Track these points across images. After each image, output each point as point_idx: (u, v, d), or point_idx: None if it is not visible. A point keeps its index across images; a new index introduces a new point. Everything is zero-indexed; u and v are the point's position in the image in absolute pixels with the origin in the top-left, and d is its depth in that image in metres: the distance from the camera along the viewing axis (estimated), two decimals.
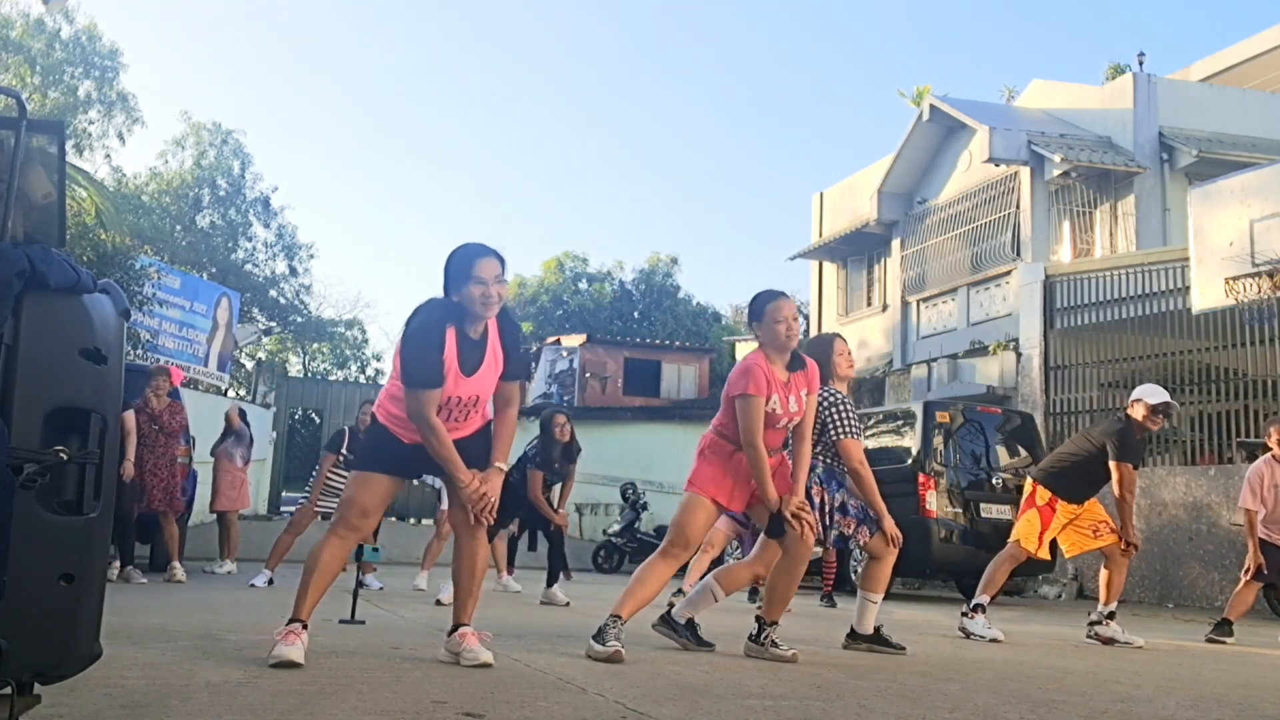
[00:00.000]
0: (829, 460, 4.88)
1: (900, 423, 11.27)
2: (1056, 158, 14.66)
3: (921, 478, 10.42)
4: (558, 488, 8.20)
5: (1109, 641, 5.90)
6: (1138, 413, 6.06)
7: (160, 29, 59.27)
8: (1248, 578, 6.83)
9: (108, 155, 27.37)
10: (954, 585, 12.20)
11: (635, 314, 37.89)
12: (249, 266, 30.57)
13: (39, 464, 2.06)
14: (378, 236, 72.73)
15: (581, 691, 3.21)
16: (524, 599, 7.74)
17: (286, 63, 67.95)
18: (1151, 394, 6.11)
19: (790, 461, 4.38)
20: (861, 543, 4.78)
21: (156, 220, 27.08)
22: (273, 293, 31.20)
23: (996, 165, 15.60)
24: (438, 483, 7.32)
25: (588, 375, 27.32)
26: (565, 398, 27.52)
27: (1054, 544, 6.32)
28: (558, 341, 30.17)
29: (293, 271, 31.86)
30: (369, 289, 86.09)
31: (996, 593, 6.16)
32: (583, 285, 39.48)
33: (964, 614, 5.99)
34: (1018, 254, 15.49)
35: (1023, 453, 10.89)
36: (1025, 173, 15.51)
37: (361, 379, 38.42)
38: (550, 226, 74.14)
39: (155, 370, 8.83)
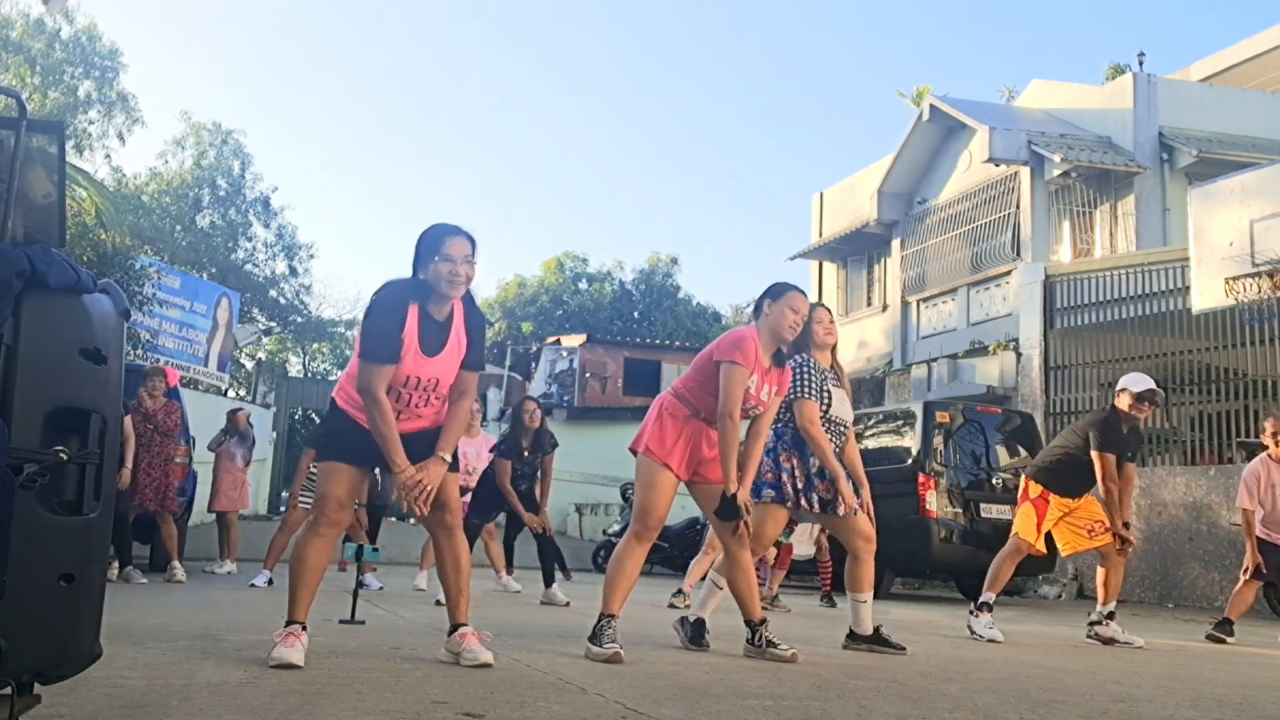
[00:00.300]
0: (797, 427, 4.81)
1: (900, 423, 11.27)
2: (1056, 158, 14.66)
3: (921, 478, 10.41)
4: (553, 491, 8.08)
5: (1109, 641, 5.89)
6: (1123, 402, 6.04)
7: (160, 29, 59.30)
8: (1246, 577, 6.84)
9: (108, 155, 27.43)
10: (954, 585, 12.20)
11: (635, 314, 37.90)
12: (249, 266, 30.60)
13: (39, 464, 2.06)
14: (378, 236, 72.82)
15: (581, 691, 3.21)
16: (523, 599, 7.74)
17: (286, 63, 67.98)
18: (1136, 382, 6.07)
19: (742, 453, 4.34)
20: (840, 511, 4.71)
21: (156, 220, 27.11)
22: (273, 293, 31.23)
23: (996, 165, 15.61)
24: None
25: (588, 375, 27.33)
26: (565, 398, 27.54)
27: (1052, 542, 6.30)
28: (558, 341, 30.18)
29: (293, 271, 31.90)
30: (369, 289, 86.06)
31: (1000, 590, 6.15)
32: (583, 285, 39.50)
33: (971, 612, 6.00)
34: (1018, 254, 15.49)
35: (1023, 453, 10.88)
36: (1025, 173, 15.51)
37: None
38: (550, 226, 74.23)
39: (151, 370, 8.82)
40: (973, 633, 5.84)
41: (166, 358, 16.74)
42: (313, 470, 8.45)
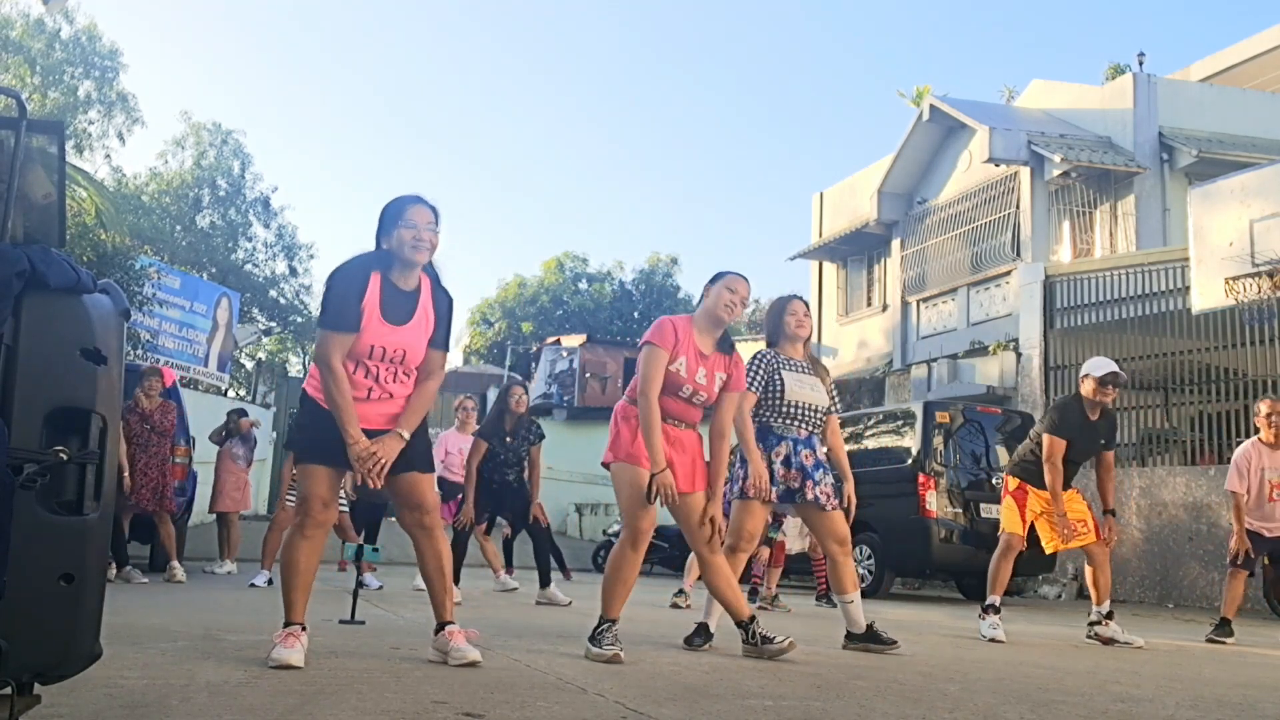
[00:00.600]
0: (766, 418, 4.80)
1: (900, 423, 11.27)
2: (1056, 158, 14.66)
3: (921, 478, 10.42)
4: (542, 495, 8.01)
5: (1109, 641, 5.89)
6: (1086, 388, 6.03)
7: (160, 29, 59.30)
8: (1232, 564, 6.76)
9: (108, 155, 27.45)
10: (954, 585, 12.20)
11: (635, 314, 37.89)
12: (249, 266, 30.59)
13: (39, 464, 2.06)
14: None
15: (581, 691, 3.21)
16: (523, 599, 7.72)
17: (286, 63, 67.99)
18: (1097, 367, 6.04)
19: (707, 462, 4.32)
20: (809, 496, 4.69)
21: (156, 220, 27.10)
22: (273, 293, 31.22)
23: (996, 165, 15.61)
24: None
25: (588, 375, 27.33)
26: (565, 398, 27.54)
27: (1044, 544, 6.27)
28: (558, 341, 30.18)
29: (293, 271, 31.89)
30: None
31: (1003, 590, 6.13)
32: (583, 285, 39.51)
33: (980, 615, 6.00)
34: (1018, 254, 15.49)
35: None
36: (1025, 173, 15.51)
37: None
38: (550, 226, 74.23)
39: (147, 370, 8.81)
40: (981, 635, 5.86)
41: (166, 358, 16.73)
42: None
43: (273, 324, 31.94)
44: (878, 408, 14.67)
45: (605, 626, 4.09)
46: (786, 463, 4.72)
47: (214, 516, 10.22)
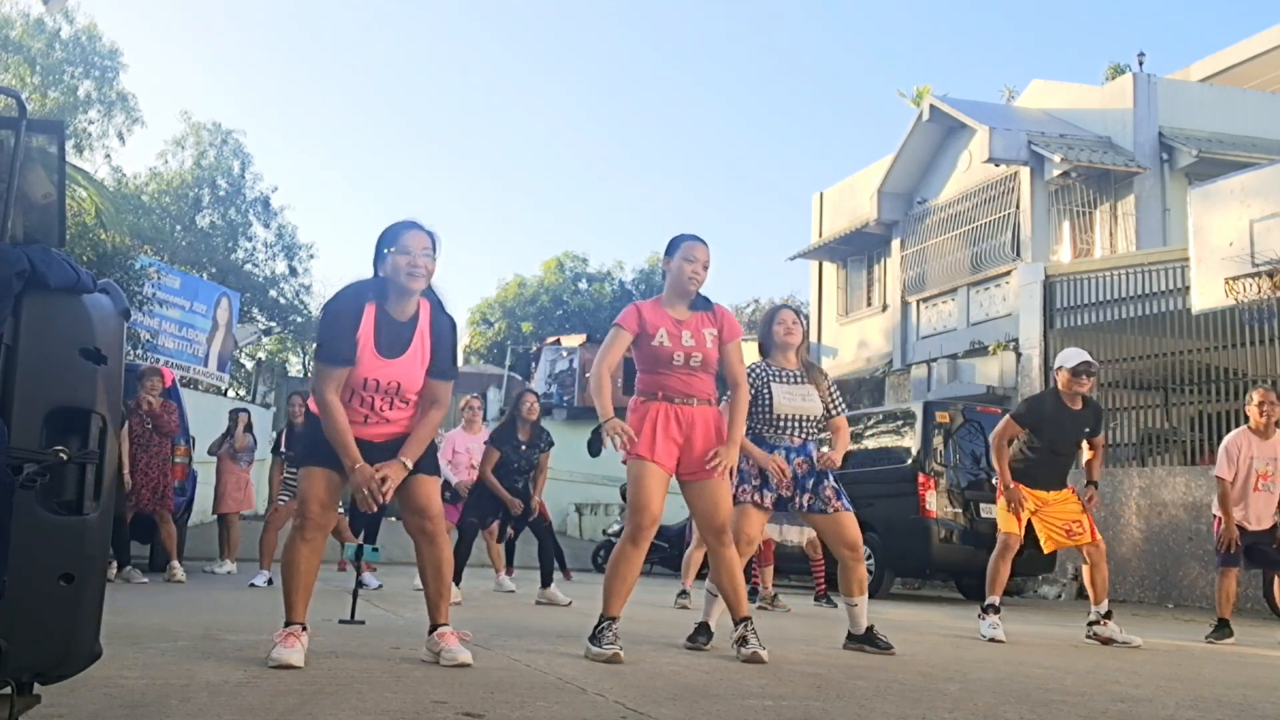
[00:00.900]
0: (758, 429, 4.81)
1: (900, 423, 11.26)
2: (1056, 158, 14.66)
3: (921, 478, 10.41)
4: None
5: (1108, 641, 5.89)
6: (1061, 380, 6.05)
7: (160, 29, 59.31)
8: (1223, 562, 6.71)
9: (108, 155, 27.43)
10: (954, 585, 12.19)
11: None
12: (249, 266, 30.59)
13: (39, 464, 2.06)
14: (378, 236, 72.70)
15: (581, 691, 3.21)
16: (523, 599, 7.72)
17: (286, 63, 68.00)
18: (1069, 358, 6.04)
19: (725, 414, 4.27)
20: (804, 504, 4.71)
21: (156, 220, 27.10)
22: (273, 293, 31.21)
23: (996, 165, 15.61)
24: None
25: (588, 375, 27.32)
26: (565, 398, 27.54)
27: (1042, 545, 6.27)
28: (558, 341, 30.19)
29: (293, 271, 31.88)
30: None
31: (1002, 590, 6.13)
32: (583, 285, 39.52)
33: (980, 615, 6.01)
34: (1018, 254, 15.49)
35: None
36: (1025, 173, 15.51)
37: None
38: (550, 226, 74.24)
39: (147, 370, 8.81)
40: (980, 635, 5.86)
41: (166, 357, 16.73)
42: (289, 473, 8.46)
43: (272, 324, 31.94)
44: (878, 408, 14.67)
45: (606, 625, 4.09)
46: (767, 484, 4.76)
47: (214, 516, 10.22)
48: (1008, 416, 6.05)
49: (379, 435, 3.66)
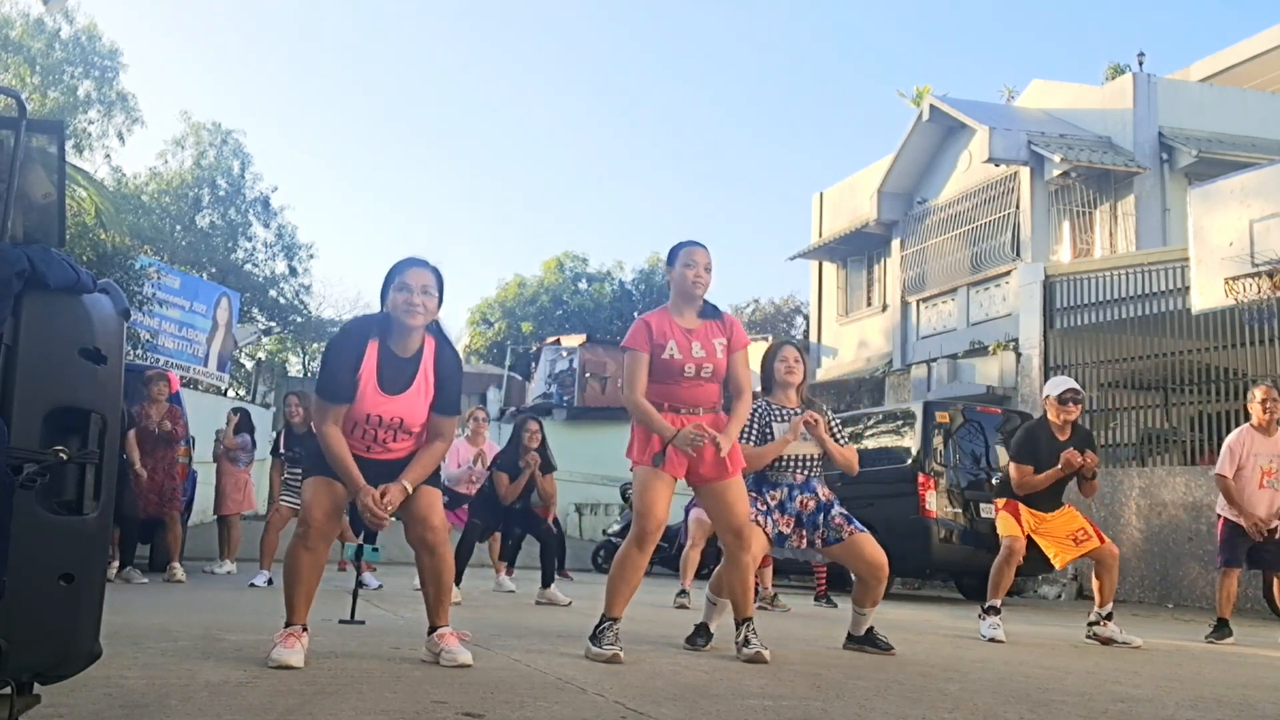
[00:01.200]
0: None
1: (900, 423, 11.26)
2: (1056, 158, 14.66)
3: (921, 478, 10.41)
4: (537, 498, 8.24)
5: (1108, 641, 5.89)
6: (1050, 411, 6.06)
7: (160, 29, 59.32)
8: (1226, 564, 6.71)
9: (108, 155, 27.39)
10: (954, 585, 12.20)
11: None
12: (249, 266, 30.58)
13: (39, 464, 2.06)
14: (378, 236, 72.78)
15: (581, 691, 3.21)
16: (523, 599, 7.73)
17: (287, 63, 68.01)
18: (1055, 387, 6.09)
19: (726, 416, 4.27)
20: (803, 543, 4.73)
21: (156, 220, 27.09)
22: (273, 293, 31.20)
23: (996, 165, 15.61)
24: None
25: (587, 375, 27.32)
26: (565, 398, 27.54)
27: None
28: (558, 341, 30.18)
29: (293, 271, 31.86)
30: (369, 289, 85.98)
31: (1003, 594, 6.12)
32: (583, 285, 39.51)
33: (980, 616, 6.00)
34: (1018, 254, 15.49)
35: None
36: (1025, 173, 15.51)
37: None
38: (550, 226, 74.24)
39: (154, 376, 8.83)
40: (981, 635, 5.86)
41: (166, 357, 16.74)
42: (290, 473, 8.47)
43: (272, 324, 31.93)
44: (878, 408, 14.66)
45: (607, 625, 4.09)
46: (781, 508, 4.77)
47: (214, 517, 10.21)
48: (1017, 465, 5.97)
49: (381, 460, 3.72)
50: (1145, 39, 72.54)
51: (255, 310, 30.07)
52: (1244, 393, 11.57)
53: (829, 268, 20.64)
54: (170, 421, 8.42)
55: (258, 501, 11.08)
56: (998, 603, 5.96)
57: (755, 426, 4.77)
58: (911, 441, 10.79)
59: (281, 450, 8.66)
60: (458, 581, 7.92)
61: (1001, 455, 11.02)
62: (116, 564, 7.85)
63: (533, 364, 31.15)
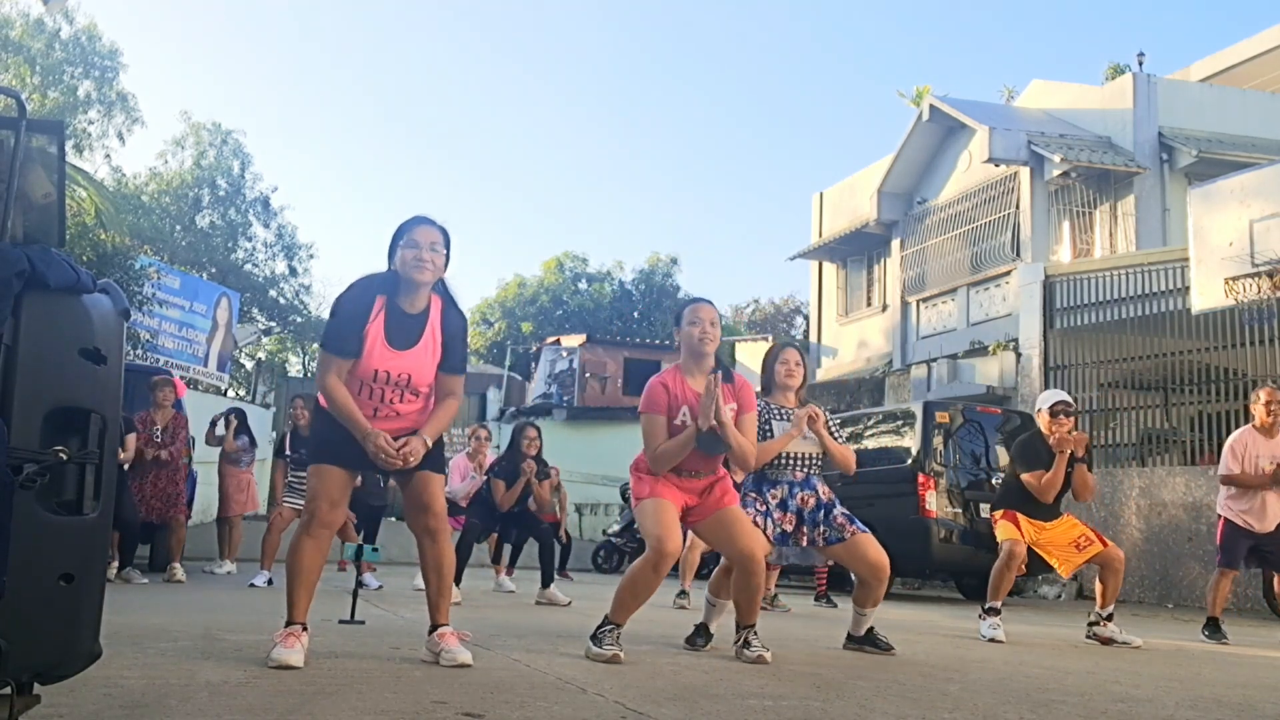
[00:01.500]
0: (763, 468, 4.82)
1: (900, 423, 11.26)
2: (1056, 158, 14.66)
3: (921, 478, 10.41)
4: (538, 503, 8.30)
5: (1108, 641, 5.90)
6: (1042, 423, 6.10)
7: (160, 29, 59.30)
8: (1224, 565, 6.70)
9: (108, 155, 27.41)
10: (954, 585, 12.20)
11: (635, 314, 37.89)
12: (249, 266, 30.59)
13: (39, 464, 2.06)
14: (378, 237, 72.73)
15: (581, 691, 3.21)
16: (523, 599, 7.73)
17: (286, 63, 68.02)
18: (1046, 399, 6.15)
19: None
20: (806, 541, 4.73)
21: (156, 220, 27.11)
22: (272, 293, 31.21)
23: (996, 165, 15.61)
24: None
25: (588, 375, 27.31)
26: (565, 398, 27.52)
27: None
28: (558, 341, 30.17)
29: (292, 271, 31.88)
30: None
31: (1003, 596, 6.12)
32: (583, 285, 39.50)
33: (980, 616, 6.01)
34: (1017, 254, 15.49)
35: None
36: (1025, 173, 15.51)
37: None
38: (550, 226, 74.25)
39: (160, 381, 8.83)
40: (981, 636, 5.86)
41: (166, 357, 16.73)
42: (294, 476, 8.47)
43: (272, 324, 31.94)
44: (878, 408, 14.66)
45: (608, 628, 4.09)
46: (783, 506, 4.77)
47: (215, 518, 10.21)
48: (1033, 474, 5.95)
49: (388, 429, 3.64)
50: (1145, 39, 72.60)
51: (255, 310, 30.07)
52: (1244, 393, 11.60)
53: (829, 268, 20.64)
54: (174, 430, 8.45)
55: (260, 501, 11.09)
56: (998, 604, 5.97)
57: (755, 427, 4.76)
58: (911, 441, 10.78)
59: (286, 452, 8.66)
60: (457, 581, 7.94)
61: (1002, 455, 11.03)
62: (116, 564, 7.85)
63: (533, 364, 31.14)
